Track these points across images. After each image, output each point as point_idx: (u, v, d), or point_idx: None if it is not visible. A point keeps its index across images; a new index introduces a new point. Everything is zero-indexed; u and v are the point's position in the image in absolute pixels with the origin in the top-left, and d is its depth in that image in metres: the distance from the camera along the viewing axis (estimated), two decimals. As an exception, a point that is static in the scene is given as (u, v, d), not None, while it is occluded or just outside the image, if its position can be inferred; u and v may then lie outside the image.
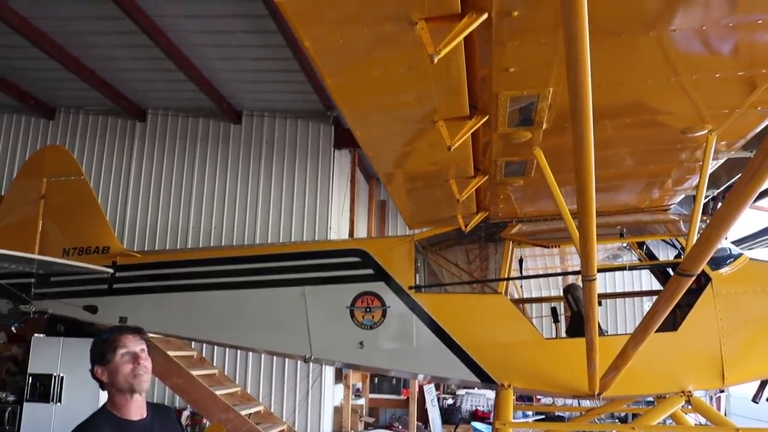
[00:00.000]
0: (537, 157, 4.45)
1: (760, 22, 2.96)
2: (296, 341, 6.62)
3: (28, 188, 7.88)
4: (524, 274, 8.12)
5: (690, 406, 5.79)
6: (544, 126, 3.95)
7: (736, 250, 6.18)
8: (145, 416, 3.12)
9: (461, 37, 2.71)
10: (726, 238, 5.36)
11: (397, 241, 6.79)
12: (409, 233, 7.04)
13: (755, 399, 6.41)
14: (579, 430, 7.92)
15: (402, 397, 14.50)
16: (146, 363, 3.09)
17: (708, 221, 3.50)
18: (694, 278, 4.04)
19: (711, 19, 2.92)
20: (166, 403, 10.17)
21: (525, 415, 12.74)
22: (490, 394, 13.60)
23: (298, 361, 10.46)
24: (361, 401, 13.84)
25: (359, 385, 13.94)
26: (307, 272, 6.78)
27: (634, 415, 9.50)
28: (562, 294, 8.06)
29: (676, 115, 4.11)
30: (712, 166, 4.83)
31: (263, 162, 11.99)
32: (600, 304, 5.23)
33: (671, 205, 6.32)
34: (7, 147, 12.91)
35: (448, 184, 5.10)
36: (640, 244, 6.76)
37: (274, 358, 10.96)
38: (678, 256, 6.27)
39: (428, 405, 13.48)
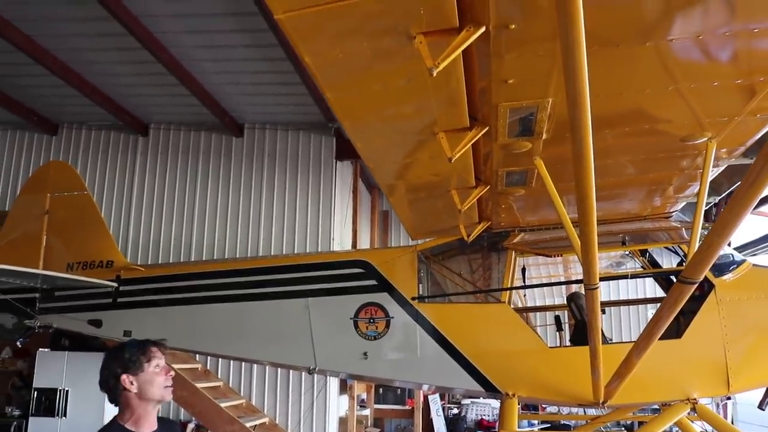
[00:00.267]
0: (537, 166, 4.46)
1: (756, 30, 2.97)
2: (300, 353, 6.63)
3: (32, 204, 7.94)
4: (527, 283, 8.12)
5: (695, 414, 5.77)
6: (544, 136, 3.97)
7: (739, 256, 6.17)
8: (155, 429, 3.17)
9: (459, 51, 2.73)
10: (729, 245, 5.36)
11: (400, 251, 6.81)
12: (412, 243, 7.05)
13: (761, 406, 6.37)
14: (585, 439, 7.89)
15: (407, 407, 14.46)
16: (172, 376, 3.24)
17: (710, 228, 3.50)
18: (696, 285, 4.03)
19: (708, 28, 2.93)
20: (171, 417, 10.16)
21: (530, 424, 12.71)
22: (496, 403, 13.55)
23: (303, 373, 10.44)
24: (366, 412, 13.81)
25: (364, 395, 13.90)
26: (311, 284, 6.80)
27: (640, 423, 9.46)
28: (565, 302, 8.05)
29: (675, 124, 4.12)
30: (712, 173, 4.84)
31: (265, 174, 11.99)
32: (603, 312, 5.23)
33: (673, 212, 6.32)
34: (11, 163, 12.93)
35: (450, 194, 5.12)
36: (643, 252, 6.76)
37: (279, 369, 10.93)
38: (681, 263, 6.27)
39: (433, 415, 13.46)
